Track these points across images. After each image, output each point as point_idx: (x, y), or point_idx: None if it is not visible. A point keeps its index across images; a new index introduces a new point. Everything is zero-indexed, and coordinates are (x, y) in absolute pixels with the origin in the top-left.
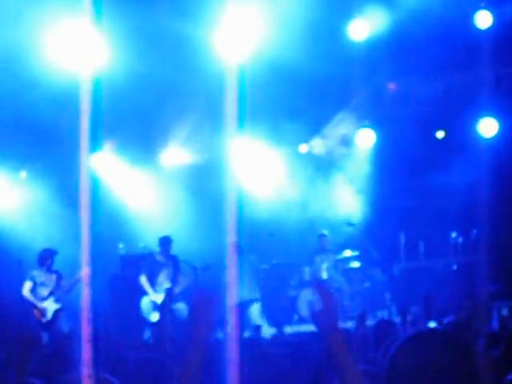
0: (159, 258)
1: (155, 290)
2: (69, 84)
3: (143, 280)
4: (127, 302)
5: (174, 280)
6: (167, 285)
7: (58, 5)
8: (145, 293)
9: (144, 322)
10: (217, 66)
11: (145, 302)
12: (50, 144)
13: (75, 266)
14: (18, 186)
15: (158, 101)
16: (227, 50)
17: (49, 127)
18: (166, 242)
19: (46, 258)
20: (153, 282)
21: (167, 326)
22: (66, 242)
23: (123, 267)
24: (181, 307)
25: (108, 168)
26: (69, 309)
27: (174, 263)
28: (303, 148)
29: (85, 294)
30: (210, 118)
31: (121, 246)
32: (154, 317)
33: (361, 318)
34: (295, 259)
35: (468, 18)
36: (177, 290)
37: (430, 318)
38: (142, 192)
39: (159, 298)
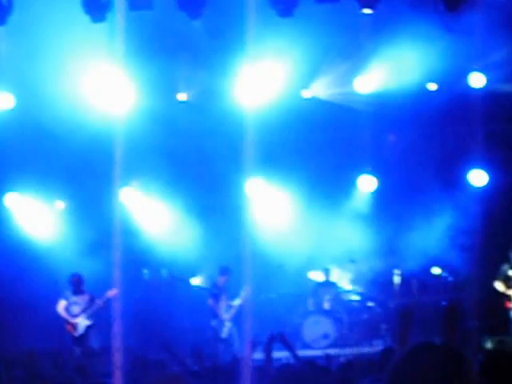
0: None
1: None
2: (101, 123)
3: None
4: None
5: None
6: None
7: (94, 54)
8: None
9: None
10: (235, 110)
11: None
12: (85, 178)
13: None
14: (55, 215)
15: (181, 142)
16: (245, 96)
17: (83, 162)
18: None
19: (76, 282)
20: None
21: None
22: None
23: (147, 292)
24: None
25: (134, 201)
26: (99, 326)
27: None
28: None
29: (116, 311)
30: (227, 157)
31: (145, 271)
32: None
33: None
34: (300, 290)
35: (463, 77)
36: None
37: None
38: (163, 221)
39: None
